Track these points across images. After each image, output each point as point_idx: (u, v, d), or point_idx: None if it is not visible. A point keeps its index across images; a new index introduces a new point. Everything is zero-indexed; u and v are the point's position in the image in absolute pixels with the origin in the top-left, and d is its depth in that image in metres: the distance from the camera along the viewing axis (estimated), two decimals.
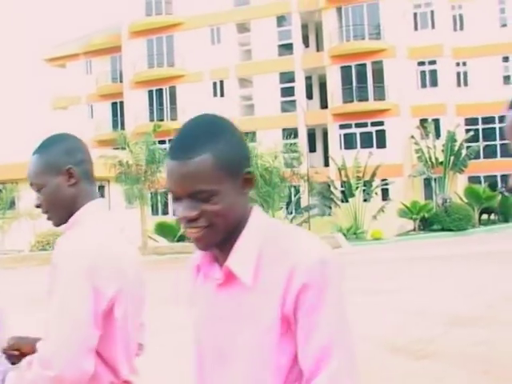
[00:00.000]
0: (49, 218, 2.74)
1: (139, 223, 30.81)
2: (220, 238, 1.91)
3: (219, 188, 1.85)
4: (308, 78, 44.13)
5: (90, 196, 2.72)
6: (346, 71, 41.97)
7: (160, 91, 46.77)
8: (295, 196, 36.97)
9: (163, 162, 34.73)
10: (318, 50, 44.57)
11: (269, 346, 1.86)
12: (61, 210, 2.71)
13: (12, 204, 33.85)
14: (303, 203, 36.53)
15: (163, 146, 39.78)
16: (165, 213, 41.59)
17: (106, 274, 2.49)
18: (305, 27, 44.46)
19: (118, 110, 49.62)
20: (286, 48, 43.63)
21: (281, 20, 44.16)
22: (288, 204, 35.81)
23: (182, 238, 35.17)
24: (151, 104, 47.08)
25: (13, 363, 2.83)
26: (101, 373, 2.52)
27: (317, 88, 45.04)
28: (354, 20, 41.92)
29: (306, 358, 1.83)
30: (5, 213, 33.16)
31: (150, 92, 47.03)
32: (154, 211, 40.55)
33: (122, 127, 45.56)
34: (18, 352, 2.81)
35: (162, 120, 43.72)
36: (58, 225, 2.74)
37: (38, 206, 2.73)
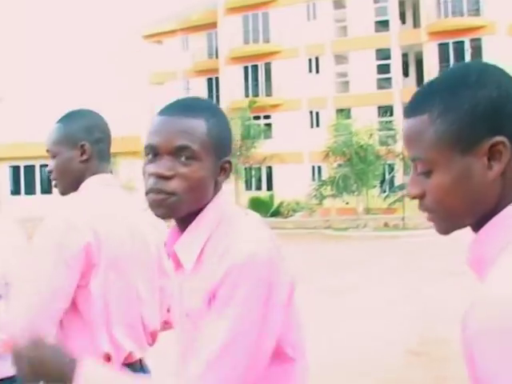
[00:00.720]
0: (55, 185, 2.89)
1: (233, 198, 31.24)
2: (181, 211, 1.88)
3: (202, 155, 1.85)
4: (404, 55, 43.58)
5: (98, 173, 2.82)
6: (443, 48, 41.23)
7: (255, 67, 46.98)
8: (389, 174, 36.77)
9: (258, 138, 35.13)
10: (414, 27, 43.90)
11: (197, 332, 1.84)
12: (67, 181, 2.84)
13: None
14: (397, 181, 36.28)
15: (258, 121, 40.14)
16: (258, 188, 42.00)
17: (77, 249, 2.54)
18: (402, 3, 43.80)
19: (213, 86, 50.11)
20: (383, 24, 43.13)
21: None
22: (382, 182, 35.65)
23: (274, 214, 35.50)
24: (246, 80, 47.35)
25: None
26: (78, 343, 2.56)
27: (413, 65, 44.44)
28: None
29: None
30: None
31: (246, 68, 47.29)
32: (248, 186, 40.96)
33: (218, 103, 46.08)
34: None
35: (256, 96, 44.00)
36: (62, 194, 2.90)
37: (49, 172, 2.90)
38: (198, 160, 1.83)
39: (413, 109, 1.40)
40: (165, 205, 1.84)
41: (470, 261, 1.42)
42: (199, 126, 1.86)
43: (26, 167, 36.52)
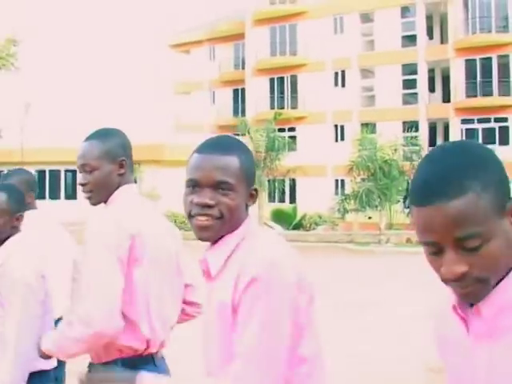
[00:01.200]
0: (89, 198, 3.17)
1: (256, 209, 31.24)
2: (222, 233, 2.23)
3: (237, 187, 2.20)
4: (431, 71, 43.45)
5: (128, 183, 3.19)
6: (470, 65, 41.06)
7: (281, 79, 47.08)
8: None
9: (283, 150, 35.13)
10: (442, 43, 43.78)
11: (227, 336, 2.15)
12: (105, 192, 3.16)
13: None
14: None
15: (283, 133, 40.14)
16: (282, 200, 42.00)
17: (126, 247, 2.95)
18: (429, 18, 43.71)
19: (239, 97, 50.26)
20: (410, 39, 43.05)
21: (405, 11, 43.57)
22: (405, 198, 35.47)
23: (297, 226, 35.45)
24: (272, 92, 47.45)
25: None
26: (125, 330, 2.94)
27: (439, 81, 44.30)
28: (481, 12, 40.87)
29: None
30: None
31: (272, 80, 47.40)
32: (271, 198, 40.96)
33: (243, 114, 46.21)
34: None
35: (282, 108, 44.04)
36: (96, 204, 3.20)
37: (83, 185, 3.16)
38: (234, 190, 2.20)
39: (447, 192, 1.48)
40: (210, 228, 2.20)
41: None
42: (233, 162, 2.22)
43: (51, 172, 36.80)
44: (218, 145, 2.26)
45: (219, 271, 2.22)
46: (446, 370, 1.75)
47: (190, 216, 2.21)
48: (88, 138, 3.19)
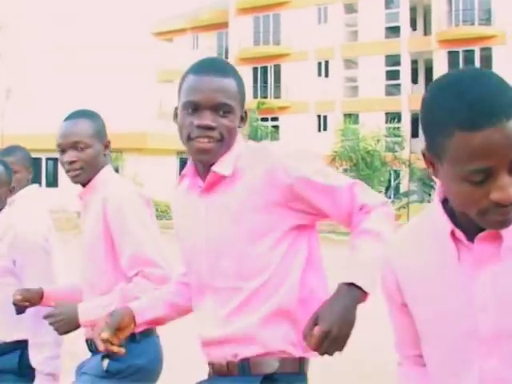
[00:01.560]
0: (77, 175, 3.14)
1: None
2: (220, 155, 2.26)
3: (235, 108, 2.24)
4: (414, 62, 43.58)
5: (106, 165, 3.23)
6: (453, 56, 41.22)
7: (265, 69, 47.02)
8: (395, 181, 36.76)
9: (265, 139, 35.11)
10: (425, 34, 43.90)
11: (254, 238, 2.22)
12: (92, 172, 3.15)
13: (116, 172, 34.69)
14: (403, 189, 36.29)
15: (266, 123, 40.15)
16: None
17: (146, 204, 3.13)
18: (413, 10, 43.81)
19: None
20: (393, 30, 43.14)
21: (389, 2, 43.65)
22: (387, 188, 35.63)
23: None
24: (255, 81, 47.40)
25: (18, 313, 3.24)
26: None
27: (422, 72, 44.43)
28: (465, 4, 41.10)
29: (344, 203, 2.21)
30: None
31: (255, 69, 47.33)
32: None
33: None
34: (28, 303, 3.21)
35: (265, 97, 44.06)
36: (81, 182, 3.18)
37: (71, 162, 3.11)
38: (232, 112, 2.23)
39: (506, 111, 1.42)
40: (211, 150, 2.22)
41: None
42: (232, 84, 2.24)
43: (32, 159, 36.65)
44: (215, 66, 2.26)
45: (233, 174, 2.25)
46: (411, 302, 1.76)
47: (190, 139, 2.23)
48: (75, 116, 3.17)
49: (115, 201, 3.05)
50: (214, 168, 2.25)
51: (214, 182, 2.27)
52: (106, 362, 3.04)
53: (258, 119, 34.55)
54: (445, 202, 1.65)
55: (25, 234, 3.46)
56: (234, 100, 2.23)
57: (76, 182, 3.17)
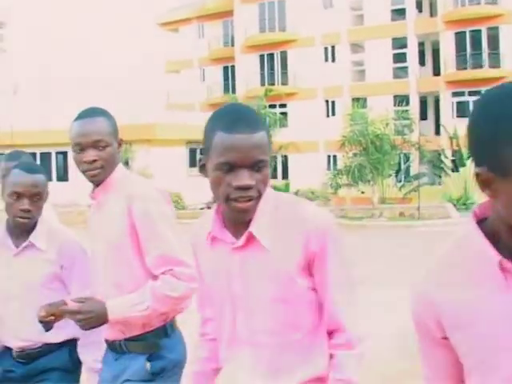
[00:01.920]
0: (97, 175, 3.14)
1: None
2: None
3: (267, 161, 2.20)
4: (421, 44, 43.37)
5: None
6: (460, 37, 40.99)
7: (271, 55, 46.91)
8: (405, 164, 36.67)
9: (274, 127, 35.05)
10: (431, 15, 43.62)
11: (289, 296, 2.26)
12: (110, 170, 3.16)
13: (125, 164, 34.78)
14: (413, 171, 36.19)
15: (274, 110, 40.06)
16: (274, 177, 41.95)
17: (167, 201, 3.19)
18: None
19: (229, 74, 50.08)
20: (399, 13, 42.91)
21: None
22: (397, 172, 35.55)
23: None
24: (262, 68, 47.31)
25: (47, 330, 3.25)
26: None
27: (430, 54, 44.22)
28: None
29: (327, 310, 2.29)
30: None
31: (262, 56, 47.23)
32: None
33: (234, 91, 46.13)
34: (53, 317, 3.21)
35: (272, 84, 43.94)
36: (100, 181, 3.17)
37: (92, 162, 3.11)
38: (266, 166, 2.20)
39: None
40: (251, 209, 2.21)
41: None
42: (264, 138, 2.20)
43: (42, 154, 36.68)
44: (246, 121, 2.18)
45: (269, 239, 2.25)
46: (456, 336, 1.72)
47: (229, 199, 2.18)
48: (91, 115, 3.16)
49: (142, 200, 3.06)
50: (251, 229, 2.24)
51: (248, 240, 2.26)
52: (148, 364, 3.10)
53: (266, 106, 34.43)
54: (479, 223, 1.64)
55: (71, 239, 3.60)
56: (267, 153, 2.19)
57: (95, 182, 3.17)
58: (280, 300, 2.25)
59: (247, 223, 2.24)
